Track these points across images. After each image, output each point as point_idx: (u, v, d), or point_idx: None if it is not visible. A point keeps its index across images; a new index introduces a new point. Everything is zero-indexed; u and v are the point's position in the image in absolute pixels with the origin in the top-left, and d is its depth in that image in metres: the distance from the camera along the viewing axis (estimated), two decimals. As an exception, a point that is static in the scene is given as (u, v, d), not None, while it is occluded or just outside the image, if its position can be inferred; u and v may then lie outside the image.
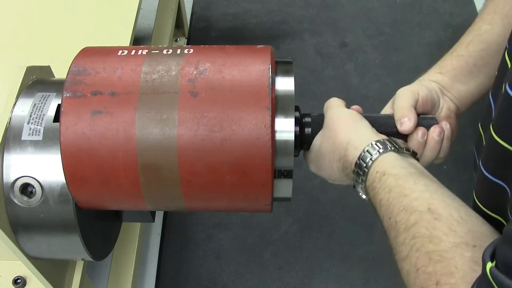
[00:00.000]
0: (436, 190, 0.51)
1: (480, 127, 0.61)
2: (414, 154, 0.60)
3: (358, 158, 0.59)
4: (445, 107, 0.70)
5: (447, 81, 0.71)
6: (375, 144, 0.58)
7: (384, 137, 0.62)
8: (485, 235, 0.46)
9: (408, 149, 0.60)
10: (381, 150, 0.57)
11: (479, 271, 0.41)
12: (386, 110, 0.72)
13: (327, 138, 0.65)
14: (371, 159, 0.57)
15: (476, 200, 0.57)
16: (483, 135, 0.60)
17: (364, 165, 0.58)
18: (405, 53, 2.03)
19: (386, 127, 0.66)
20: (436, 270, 0.44)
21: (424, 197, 0.50)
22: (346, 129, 0.62)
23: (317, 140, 0.67)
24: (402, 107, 0.66)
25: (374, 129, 0.63)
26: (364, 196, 0.60)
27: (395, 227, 0.50)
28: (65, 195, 0.65)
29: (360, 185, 0.59)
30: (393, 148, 0.58)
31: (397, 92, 0.70)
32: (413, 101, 0.67)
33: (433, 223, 0.47)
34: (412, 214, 0.49)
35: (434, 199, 0.50)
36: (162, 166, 0.61)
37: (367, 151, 0.58)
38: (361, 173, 0.58)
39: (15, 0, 1.22)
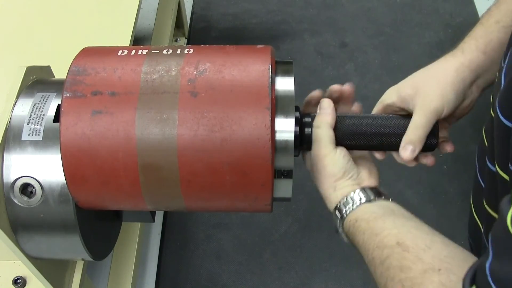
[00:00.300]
0: (403, 224, 0.57)
1: (483, 131, 0.61)
2: (387, 199, 0.64)
3: (335, 209, 0.64)
4: (467, 99, 0.67)
5: (488, 64, 0.65)
6: (350, 198, 0.63)
7: (362, 185, 0.65)
8: (449, 257, 0.51)
9: (380, 196, 0.64)
10: (354, 205, 0.63)
11: None
12: (391, 98, 0.68)
13: (313, 176, 0.68)
14: (345, 212, 0.63)
15: (484, 201, 0.58)
16: (485, 140, 0.60)
17: (339, 216, 0.64)
18: (405, 53, 2.03)
19: (386, 128, 0.67)
20: None
21: (392, 233, 0.56)
22: (326, 184, 0.66)
23: (308, 163, 0.70)
24: (417, 135, 0.64)
25: (353, 181, 0.65)
26: (344, 239, 0.65)
27: (373, 263, 0.56)
28: (65, 195, 0.65)
29: (340, 229, 0.64)
30: (366, 199, 0.63)
31: (422, 96, 0.64)
32: (432, 124, 0.64)
33: (402, 254, 0.52)
34: (384, 250, 0.55)
35: (401, 233, 0.55)
36: (162, 166, 0.61)
37: (342, 204, 0.64)
38: (338, 220, 0.64)
39: (15, 0, 1.22)
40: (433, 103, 0.64)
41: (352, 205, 0.62)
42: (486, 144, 0.59)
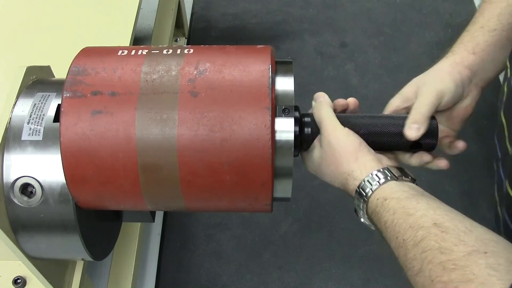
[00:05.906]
0: (439, 207, 0.53)
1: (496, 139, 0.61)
2: (413, 180, 0.62)
3: (358, 187, 0.61)
4: (468, 98, 0.69)
5: (479, 63, 0.68)
6: (375, 175, 0.60)
7: (385, 164, 0.63)
8: (493, 240, 0.47)
9: (406, 176, 0.62)
10: (381, 181, 0.59)
11: (496, 277, 0.42)
12: (394, 103, 0.70)
13: (327, 163, 0.65)
14: (371, 189, 0.59)
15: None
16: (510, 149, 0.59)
17: (364, 194, 0.60)
18: (405, 53, 2.03)
19: (388, 127, 0.67)
20: (452, 279, 0.45)
21: (428, 214, 0.52)
22: (346, 160, 0.63)
23: (316, 158, 0.66)
24: (420, 113, 0.65)
25: (373, 155, 0.63)
26: (363, 220, 0.62)
27: (403, 245, 0.52)
28: (65, 195, 0.65)
29: (361, 211, 0.61)
30: (392, 177, 0.60)
31: (423, 86, 0.66)
32: (435, 106, 0.65)
33: (441, 235, 0.48)
34: (419, 231, 0.50)
35: (438, 215, 0.51)
36: (162, 166, 0.61)
37: (367, 181, 0.60)
38: (361, 200, 0.60)
39: (15, 0, 1.22)
40: (434, 87, 0.66)
41: (379, 182, 0.59)
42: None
